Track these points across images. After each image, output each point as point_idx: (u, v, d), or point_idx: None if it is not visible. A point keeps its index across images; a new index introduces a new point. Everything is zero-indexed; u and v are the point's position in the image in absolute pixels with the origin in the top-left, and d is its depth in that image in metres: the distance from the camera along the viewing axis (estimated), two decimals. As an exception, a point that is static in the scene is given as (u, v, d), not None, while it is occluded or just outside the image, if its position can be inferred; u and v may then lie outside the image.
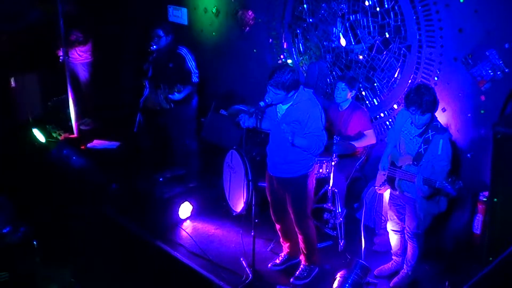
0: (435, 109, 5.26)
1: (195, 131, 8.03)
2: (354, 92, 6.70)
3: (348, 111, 6.77)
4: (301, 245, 5.99)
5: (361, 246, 6.14)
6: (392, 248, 6.02)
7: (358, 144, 6.63)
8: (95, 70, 9.79)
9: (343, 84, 6.63)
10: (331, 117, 6.79)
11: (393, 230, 5.89)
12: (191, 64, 7.54)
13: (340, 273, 5.81)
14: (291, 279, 6.00)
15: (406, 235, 5.71)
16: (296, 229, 5.90)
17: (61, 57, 9.32)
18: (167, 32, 7.52)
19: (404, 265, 5.88)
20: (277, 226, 6.14)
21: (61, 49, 9.27)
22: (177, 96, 7.46)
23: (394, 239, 5.95)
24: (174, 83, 7.40)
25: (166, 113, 7.76)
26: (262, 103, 5.40)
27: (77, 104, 9.59)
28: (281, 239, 6.26)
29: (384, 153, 5.80)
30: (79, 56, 9.58)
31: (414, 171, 5.29)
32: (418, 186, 5.25)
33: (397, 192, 5.61)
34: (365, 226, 6.67)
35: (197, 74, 7.59)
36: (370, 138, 6.71)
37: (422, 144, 5.29)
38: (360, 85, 7.27)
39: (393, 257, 6.05)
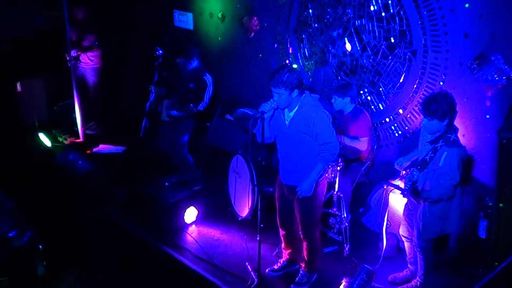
0: (446, 119, 5.14)
1: (186, 145, 7.99)
2: (348, 98, 6.75)
3: (351, 115, 6.84)
4: (304, 252, 5.97)
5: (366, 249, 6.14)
6: (407, 255, 6.01)
7: (349, 143, 6.71)
8: (103, 75, 9.81)
9: (335, 95, 6.80)
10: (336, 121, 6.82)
11: (403, 236, 5.87)
12: (208, 94, 7.71)
13: (346, 278, 5.82)
14: (291, 285, 6.01)
15: (413, 243, 5.70)
16: (302, 236, 5.89)
17: (71, 62, 9.35)
18: (190, 57, 7.68)
19: (417, 273, 5.86)
20: (282, 232, 6.13)
21: (72, 53, 9.31)
22: (174, 112, 7.65)
23: (406, 246, 5.94)
24: (184, 102, 7.54)
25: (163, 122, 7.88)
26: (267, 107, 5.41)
27: (85, 109, 9.63)
28: (282, 245, 6.26)
29: (409, 153, 5.81)
30: (90, 61, 9.60)
31: (416, 177, 5.26)
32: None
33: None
34: (371, 231, 6.72)
35: (205, 104, 7.73)
36: (362, 144, 6.75)
37: (430, 152, 5.24)
38: (366, 90, 7.29)
39: (408, 265, 6.04)
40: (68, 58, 9.31)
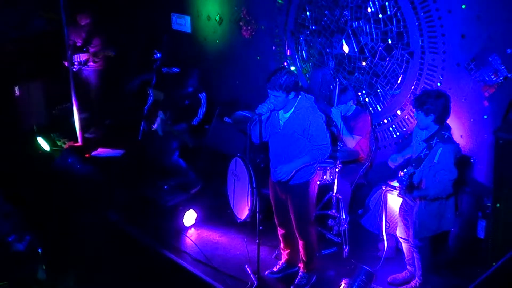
0: (431, 115, 5.26)
1: (177, 150, 8.06)
2: (351, 101, 6.85)
3: (352, 116, 6.89)
4: (301, 251, 5.99)
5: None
6: (405, 256, 6.02)
7: (345, 134, 6.73)
8: (103, 77, 9.81)
9: (339, 105, 6.78)
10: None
11: (401, 238, 5.88)
12: (202, 110, 8.01)
13: (345, 280, 5.82)
14: (291, 287, 6.02)
15: (410, 244, 5.71)
16: (297, 235, 5.91)
17: (76, 66, 9.35)
18: (192, 82, 8.05)
19: (416, 274, 5.87)
20: (280, 232, 6.16)
21: (78, 58, 9.33)
22: (167, 129, 7.89)
23: (404, 247, 5.95)
24: (178, 117, 7.83)
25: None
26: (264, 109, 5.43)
27: (87, 112, 9.64)
28: (281, 245, 6.28)
29: (403, 151, 5.85)
30: (94, 64, 9.61)
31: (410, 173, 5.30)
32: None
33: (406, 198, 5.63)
34: (370, 233, 6.71)
35: (199, 119, 8.02)
36: (352, 141, 6.77)
37: (425, 149, 5.30)
38: (364, 91, 7.30)
39: (407, 266, 6.05)
40: (68, 64, 9.28)
